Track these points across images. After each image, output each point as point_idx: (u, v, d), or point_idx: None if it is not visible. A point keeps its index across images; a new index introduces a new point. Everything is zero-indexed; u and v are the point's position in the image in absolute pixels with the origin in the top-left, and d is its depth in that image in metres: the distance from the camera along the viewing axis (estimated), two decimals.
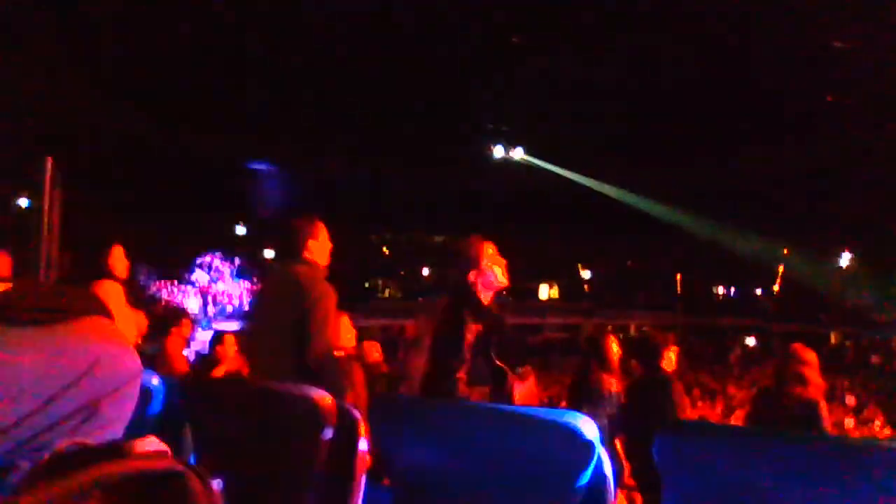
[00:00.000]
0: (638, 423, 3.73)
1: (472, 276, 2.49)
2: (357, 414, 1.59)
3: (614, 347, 4.25)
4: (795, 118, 22.24)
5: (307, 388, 1.63)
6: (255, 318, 2.85)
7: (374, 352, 4.72)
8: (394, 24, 16.63)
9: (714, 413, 14.90)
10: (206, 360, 4.81)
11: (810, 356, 3.43)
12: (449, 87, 20.33)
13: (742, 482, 1.26)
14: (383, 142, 26.71)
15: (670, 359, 3.93)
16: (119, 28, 15.32)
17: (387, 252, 28.78)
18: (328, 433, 1.51)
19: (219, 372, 4.56)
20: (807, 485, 1.20)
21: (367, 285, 25.20)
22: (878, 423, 14.21)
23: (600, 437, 3.89)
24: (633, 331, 26.26)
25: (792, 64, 17.15)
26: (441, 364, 2.35)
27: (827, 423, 3.52)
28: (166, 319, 5.03)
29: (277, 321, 2.66)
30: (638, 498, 3.87)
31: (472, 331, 2.35)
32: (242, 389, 1.85)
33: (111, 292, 3.01)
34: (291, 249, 2.81)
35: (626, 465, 3.92)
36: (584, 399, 4.05)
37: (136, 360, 0.75)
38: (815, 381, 3.36)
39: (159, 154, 22.63)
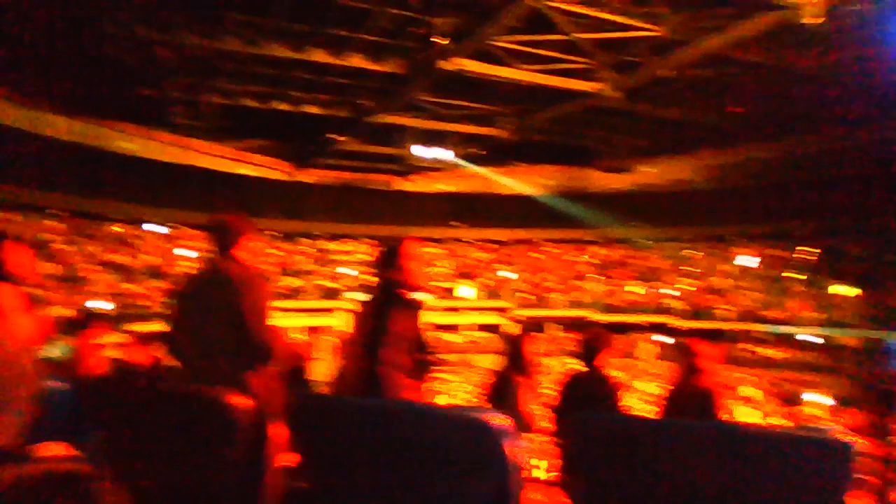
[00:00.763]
0: (569, 418, 3.80)
1: (398, 275, 2.58)
2: (273, 415, 1.59)
3: (532, 347, 4.32)
4: (699, 128, 23.53)
5: (221, 391, 1.61)
6: (184, 318, 2.76)
7: (303, 352, 4.63)
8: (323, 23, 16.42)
9: (625, 408, 15.50)
10: (120, 363, 4.60)
11: (705, 349, 3.64)
12: (377, 85, 20.29)
13: (650, 467, 1.35)
14: (314, 140, 26.34)
15: (608, 358, 4.00)
16: None
17: (313, 251, 28.35)
18: (243, 435, 1.51)
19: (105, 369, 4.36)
20: (706, 468, 1.31)
21: (292, 285, 24.76)
22: (772, 412, 15.21)
23: (514, 432, 3.96)
24: (551, 330, 26.91)
25: (694, 77, 18.14)
26: (377, 361, 2.41)
27: (723, 412, 3.75)
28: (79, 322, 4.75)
29: (212, 321, 2.60)
30: (561, 493, 3.94)
31: (404, 326, 2.43)
32: (155, 392, 1.80)
33: (4, 295, 2.83)
34: (223, 248, 2.78)
35: (554, 461, 3.98)
36: (501, 398, 4.11)
37: (27, 364, 0.73)
38: (710, 372, 3.57)
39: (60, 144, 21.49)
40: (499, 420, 1.37)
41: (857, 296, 24.23)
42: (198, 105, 22.51)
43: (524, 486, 1.52)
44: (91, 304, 17.65)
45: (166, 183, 24.74)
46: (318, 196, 29.19)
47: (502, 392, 4.17)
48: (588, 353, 3.96)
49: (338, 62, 18.00)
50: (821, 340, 23.97)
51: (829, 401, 15.99)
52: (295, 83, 20.69)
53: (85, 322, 4.67)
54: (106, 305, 18.10)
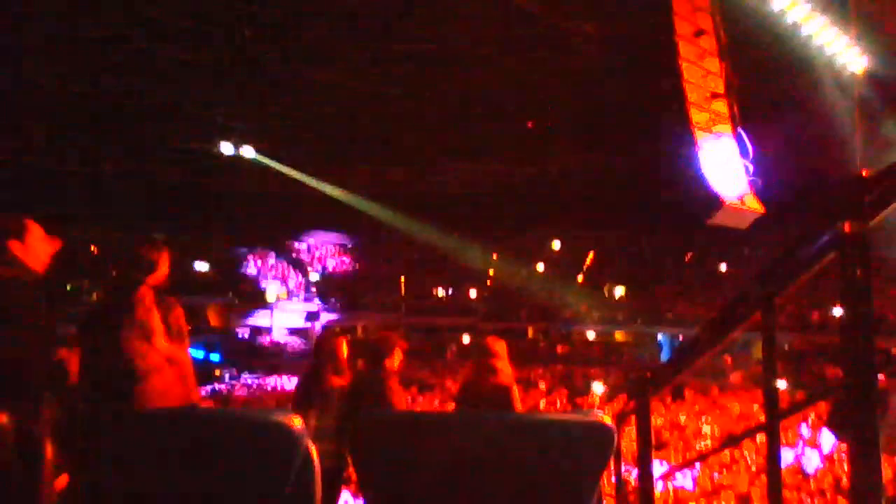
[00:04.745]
0: (354, 416, 3.88)
1: (144, 276, 2.73)
2: (40, 434, 1.45)
3: (344, 349, 4.35)
4: (502, 141, 25.22)
5: None
6: None
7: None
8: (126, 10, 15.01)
9: (431, 405, 16.14)
10: None
11: (499, 347, 3.93)
12: (177, 83, 18.90)
13: (430, 460, 1.45)
14: (105, 135, 23.64)
15: (396, 359, 4.12)
16: None
17: (95, 251, 25.50)
18: (5, 455, 1.36)
19: None
20: (485, 454, 1.43)
21: (69, 287, 22.02)
22: (560, 402, 16.75)
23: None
24: (360, 332, 27.05)
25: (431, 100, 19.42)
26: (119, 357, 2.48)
27: (518, 405, 4.06)
28: None
29: None
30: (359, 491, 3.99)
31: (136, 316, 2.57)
32: None
33: None
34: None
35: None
36: (314, 399, 4.10)
37: None
38: (504, 369, 3.86)
39: None
40: (296, 421, 1.38)
41: (626, 296, 27.68)
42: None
43: (327, 487, 1.54)
44: None
45: None
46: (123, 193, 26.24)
47: (312, 393, 4.15)
48: (375, 356, 4.07)
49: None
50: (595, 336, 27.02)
51: (603, 389, 18.00)
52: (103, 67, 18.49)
53: None
54: None
